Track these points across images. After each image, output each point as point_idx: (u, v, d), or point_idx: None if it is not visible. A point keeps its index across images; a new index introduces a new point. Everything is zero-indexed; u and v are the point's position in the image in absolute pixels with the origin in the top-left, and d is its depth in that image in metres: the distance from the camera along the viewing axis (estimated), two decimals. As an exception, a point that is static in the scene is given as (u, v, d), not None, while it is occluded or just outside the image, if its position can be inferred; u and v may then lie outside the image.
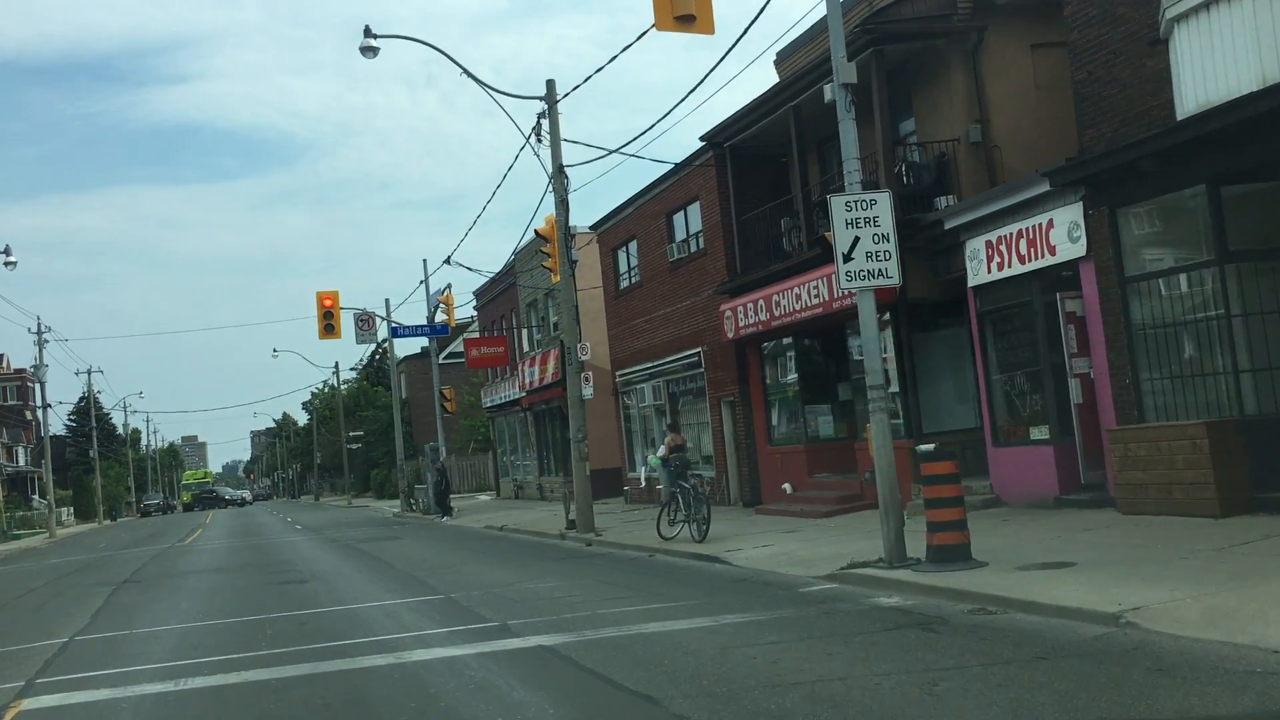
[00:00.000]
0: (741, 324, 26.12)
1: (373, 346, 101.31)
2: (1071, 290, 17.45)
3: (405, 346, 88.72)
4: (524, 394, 47.23)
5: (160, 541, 43.47)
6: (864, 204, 14.08)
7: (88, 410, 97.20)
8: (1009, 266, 18.58)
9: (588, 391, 26.13)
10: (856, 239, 14.02)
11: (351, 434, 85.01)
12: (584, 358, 26.11)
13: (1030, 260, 18.05)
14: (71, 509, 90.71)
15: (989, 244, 19.03)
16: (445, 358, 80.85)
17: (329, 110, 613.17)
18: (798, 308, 23.34)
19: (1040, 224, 17.79)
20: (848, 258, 14.02)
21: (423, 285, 45.29)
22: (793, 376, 25.65)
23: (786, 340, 25.66)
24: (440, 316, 42.86)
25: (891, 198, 14.28)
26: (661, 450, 33.22)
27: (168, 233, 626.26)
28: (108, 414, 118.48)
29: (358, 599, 16.78)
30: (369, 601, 16.30)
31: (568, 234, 25.99)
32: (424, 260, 45.37)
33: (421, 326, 44.45)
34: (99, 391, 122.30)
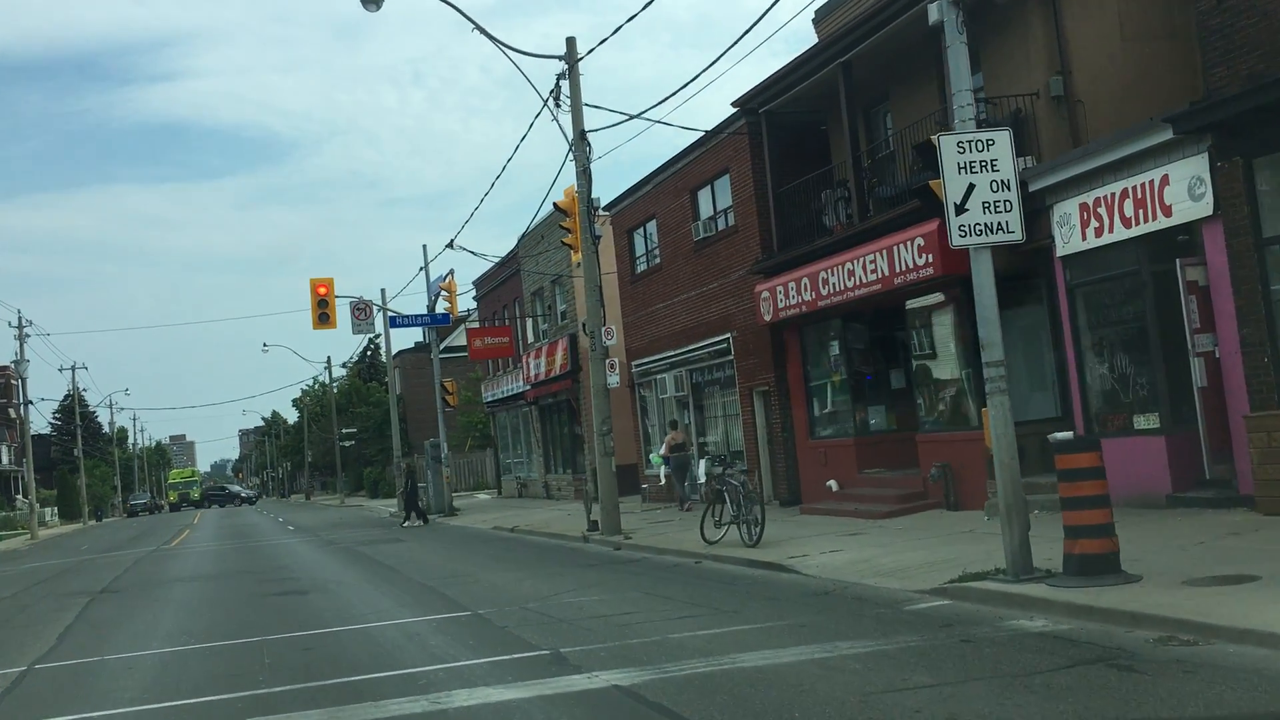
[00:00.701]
0: (781, 306, 23.78)
1: (365, 342, 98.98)
2: (1192, 256, 15.15)
3: (399, 341, 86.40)
4: (529, 387, 44.86)
5: (145, 544, 41.02)
6: (980, 144, 11.76)
7: (72, 408, 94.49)
8: (1110, 232, 16.25)
9: (613, 379, 23.82)
10: (971, 186, 11.71)
11: (344, 431, 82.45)
12: (609, 342, 23.77)
13: (1138, 224, 15.73)
14: (55, 509, 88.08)
15: (1084, 207, 16.71)
16: (443, 351, 78.41)
17: (315, 108, 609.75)
18: (850, 285, 21.01)
19: (1151, 181, 15.47)
20: (960, 209, 11.70)
21: (422, 272, 42.84)
22: (839, 363, 23.30)
23: (833, 323, 23.32)
24: (442, 305, 40.40)
25: (1011, 137, 11.95)
26: (662, 449, 31.38)
27: (153, 231, 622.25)
28: (93, 412, 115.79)
29: (369, 615, 14.42)
30: (383, 619, 13.94)
31: (590, 206, 23.64)
32: (424, 245, 42.96)
33: (421, 316, 41.98)
34: (84, 389, 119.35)
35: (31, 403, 69.54)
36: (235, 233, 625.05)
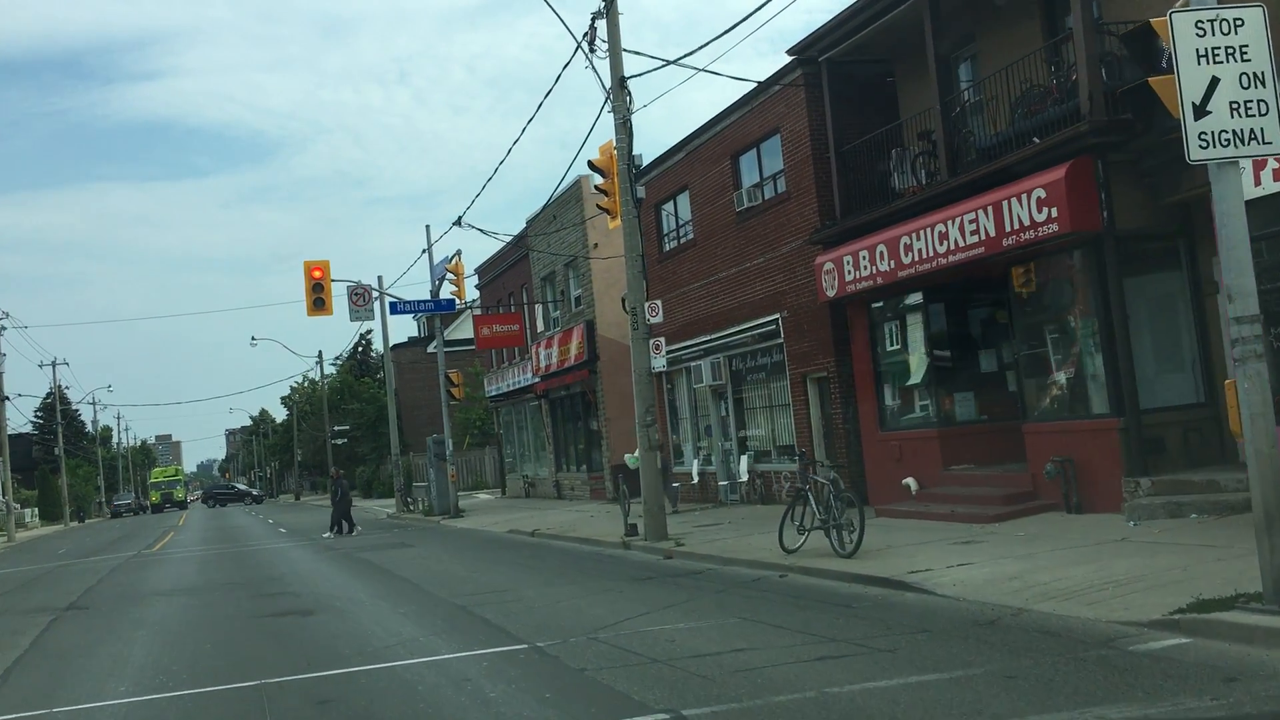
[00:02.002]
0: (848, 279, 20.80)
1: (356, 338, 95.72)
2: None
3: (392, 335, 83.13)
4: (538, 379, 41.80)
5: (126, 548, 37.87)
6: (1223, 25, 8.80)
7: (54, 406, 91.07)
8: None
9: (659, 363, 20.86)
10: (1214, 81, 8.74)
11: (336, 429, 79.22)
12: (654, 319, 20.76)
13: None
14: (36, 510, 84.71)
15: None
16: (436, 347, 75.28)
17: (300, 107, 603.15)
18: (941, 251, 18.03)
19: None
20: (1201, 111, 8.73)
21: (424, 255, 39.75)
22: (920, 343, 20.31)
23: (911, 298, 20.34)
24: (448, 290, 37.31)
25: (1266, 17, 8.97)
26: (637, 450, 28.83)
27: (138, 230, 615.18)
28: (76, 410, 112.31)
29: (395, 648, 11.40)
30: (415, 653, 10.92)
31: (631, 164, 20.63)
32: (427, 226, 39.87)
33: (424, 302, 38.88)
34: (66, 386, 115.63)
35: (8, 398, 66.15)
36: (222, 232, 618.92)
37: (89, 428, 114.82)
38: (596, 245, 35.90)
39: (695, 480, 29.09)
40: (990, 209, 16.77)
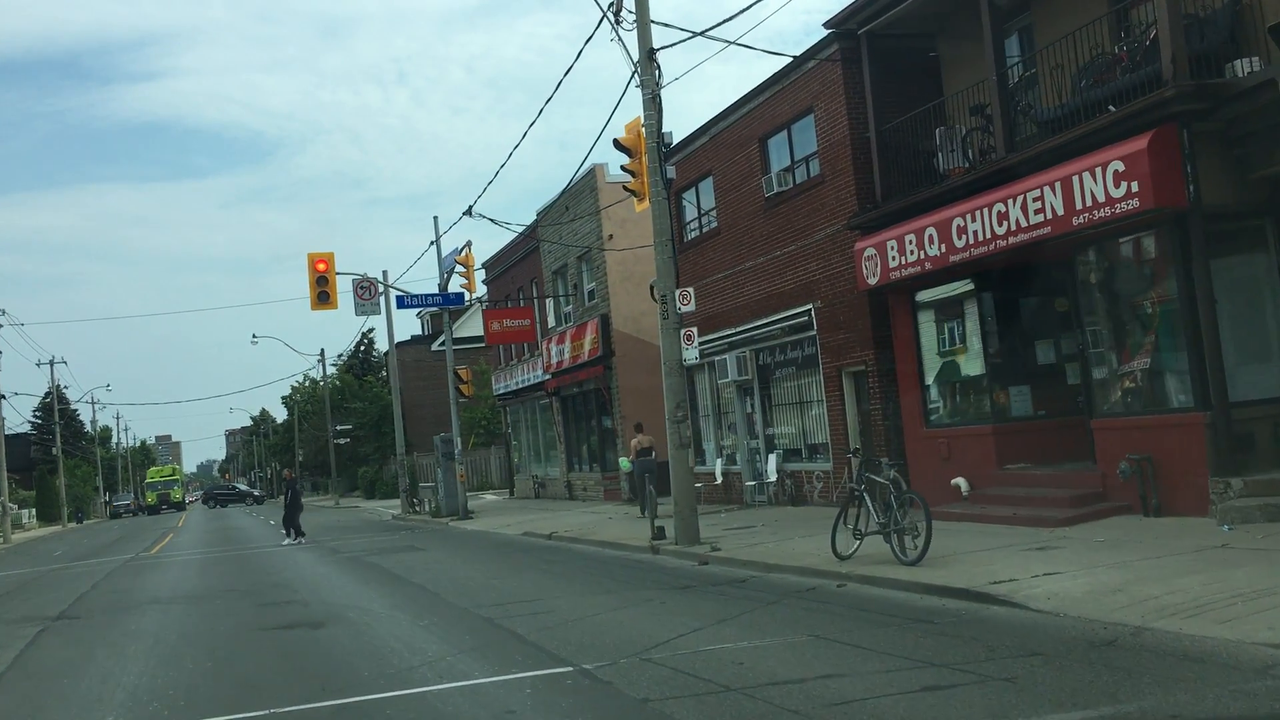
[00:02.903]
0: (893, 266, 19.47)
1: (359, 336, 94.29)
2: None
3: (396, 333, 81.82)
4: (549, 376, 40.49)
5: (123, 550, 36.57)
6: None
7: (53, 406, 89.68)
8: None
9: (690, 354, 19.50)
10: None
11: (339, 428, 77.85)
12: (685, 308, 19.41)
13: None
14: (34, 511, 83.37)
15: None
16: (442, 344, 73.74)
17: (298, 108, 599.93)
18: (1000, 233, 16.69)
19: None
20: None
21: (433, 247, 38.39)
22: (971, 333, 18.99)
23: (962, 285, 19.03)
24: (457, 283, 35.99)
25: None
26: (630, 453, 27.70)
27: (136, 231, 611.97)
28: (74, 410, 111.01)
29: (421, 668, 10.07)
30: (445, 677, 9.58)
31: (661, 141, 19.33)
32: (435, 217, 38.59)
33: (432, 295, 37.52)
34: (65, 386, 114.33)
35: (4, 397, 64.88)
36: (221, 233, 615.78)
37: (88, 428, 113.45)
38: (611, 237, 34.60)
39: (718, 481, 27.79)
40: (1058, 185, 15.43)
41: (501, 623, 12.47)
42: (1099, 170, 14.72)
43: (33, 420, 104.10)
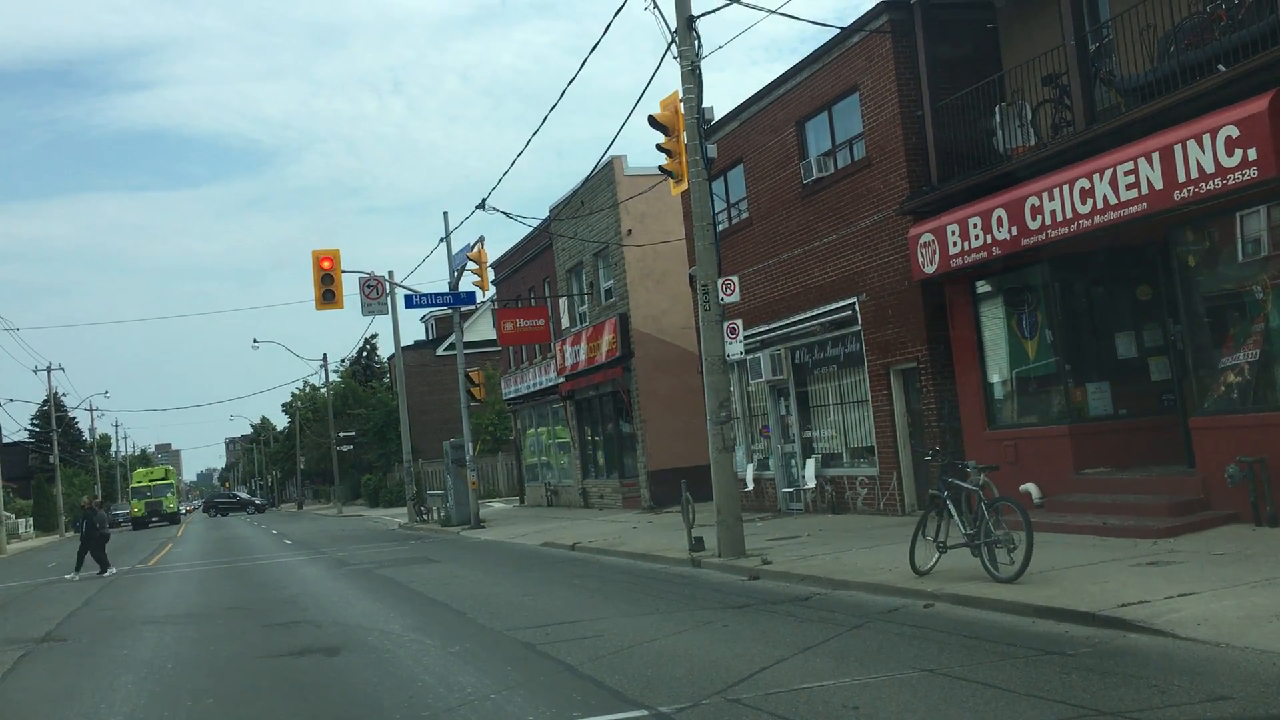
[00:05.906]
0: (953, 252, 17.87)
1: (361, 342, 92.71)
2: None
3: (402, 337, 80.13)
4: (563, 379, 38.87)
5: (120, 561, 34.74)
6: None
7: (50, 414, 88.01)
8: None
9: (735, 349, 17.87)
10: None
11: (342, 435, 76.22)
12: (730, 299, 17.81)
13: None
14: (31, 520, 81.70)
15: None
16: (447, 349, 72.25)
17: (294, 116, 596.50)
18: (1085, 212, 15.09)
19: None
20: None
21: (442, 244, 36.80)
22: (1043, 325, 17.38)
23: (1033, 272, 17.40)
24: (469, 281, 34.41)
25: None
26: None
27: (132, 240, 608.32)
28: (73, 417, 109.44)
29: (460, 709, 8.48)
30: (492, 724, 7.98)
31: (701, 117, 17.74)
32: (444, 212, 36.99)
33: (442, 294, 35.92)
34: (63, 394, 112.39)
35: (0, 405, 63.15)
36: (218, 241, 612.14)
37: (86, 436, 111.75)
38: (630, 232, 33.04)
39: (750, 487, 26.15)
40: (1156, 156, 13.84)
41: (545, 649, 10.86)
42: (1206, 138, 13.13)
43: (30, 428, 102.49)
